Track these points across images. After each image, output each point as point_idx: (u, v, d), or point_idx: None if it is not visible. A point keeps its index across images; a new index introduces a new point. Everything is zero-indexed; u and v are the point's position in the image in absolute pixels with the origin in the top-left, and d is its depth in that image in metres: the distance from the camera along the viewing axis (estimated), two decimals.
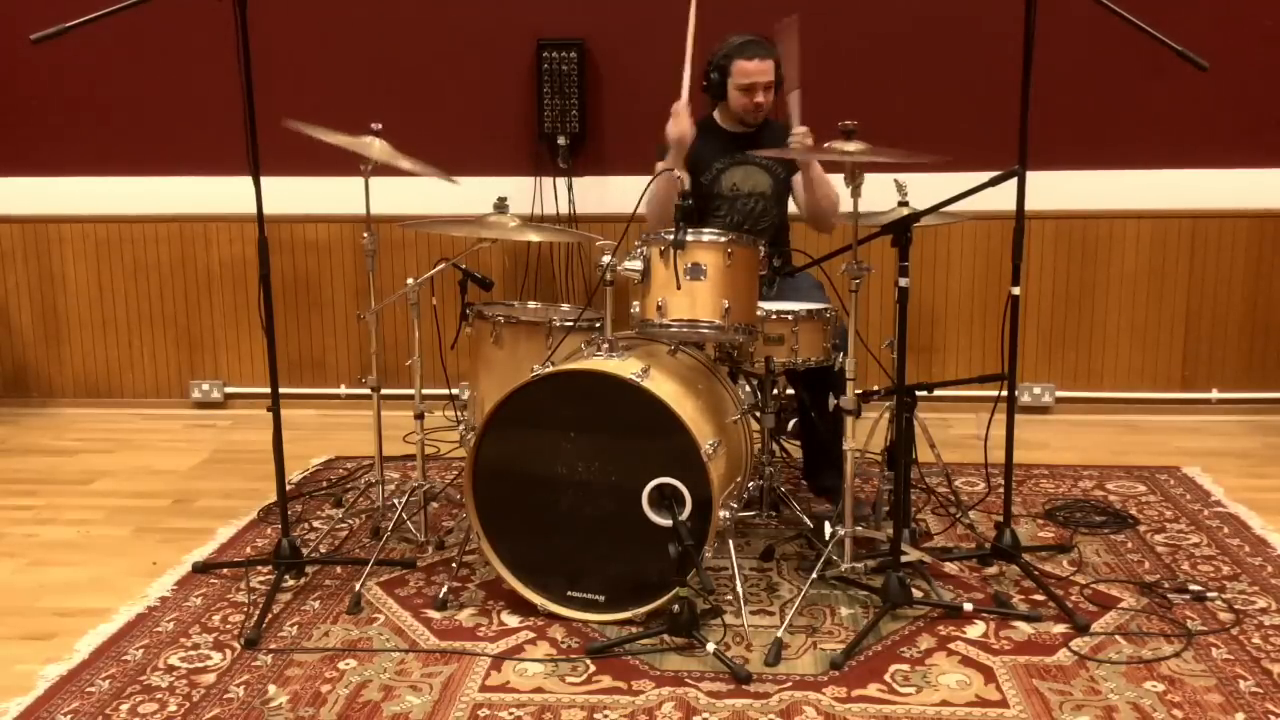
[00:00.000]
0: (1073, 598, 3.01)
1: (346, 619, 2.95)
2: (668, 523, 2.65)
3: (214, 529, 3.60)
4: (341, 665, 2.71)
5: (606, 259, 2.95)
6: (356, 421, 4.83)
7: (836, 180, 3.45)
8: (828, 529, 3.00)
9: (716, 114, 3.77)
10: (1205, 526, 3.53)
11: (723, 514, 2.82)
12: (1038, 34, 2.94)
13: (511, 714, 2.49)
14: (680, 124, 3.51)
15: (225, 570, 3.26)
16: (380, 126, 3.39)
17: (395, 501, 3.47)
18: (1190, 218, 4.71)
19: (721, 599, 2.98)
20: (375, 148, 3.32)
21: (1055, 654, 2.72)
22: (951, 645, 2.77)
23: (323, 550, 3.42)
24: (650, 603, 2.82)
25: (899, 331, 2.88)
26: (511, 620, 2.92)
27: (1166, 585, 3.07)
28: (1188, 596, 3.00)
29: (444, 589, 3.04)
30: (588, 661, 2.71)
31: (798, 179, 3.78)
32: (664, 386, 2.80)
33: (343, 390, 5.04)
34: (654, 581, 2.78)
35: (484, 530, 2.94)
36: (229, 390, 5.08)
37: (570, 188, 4.77)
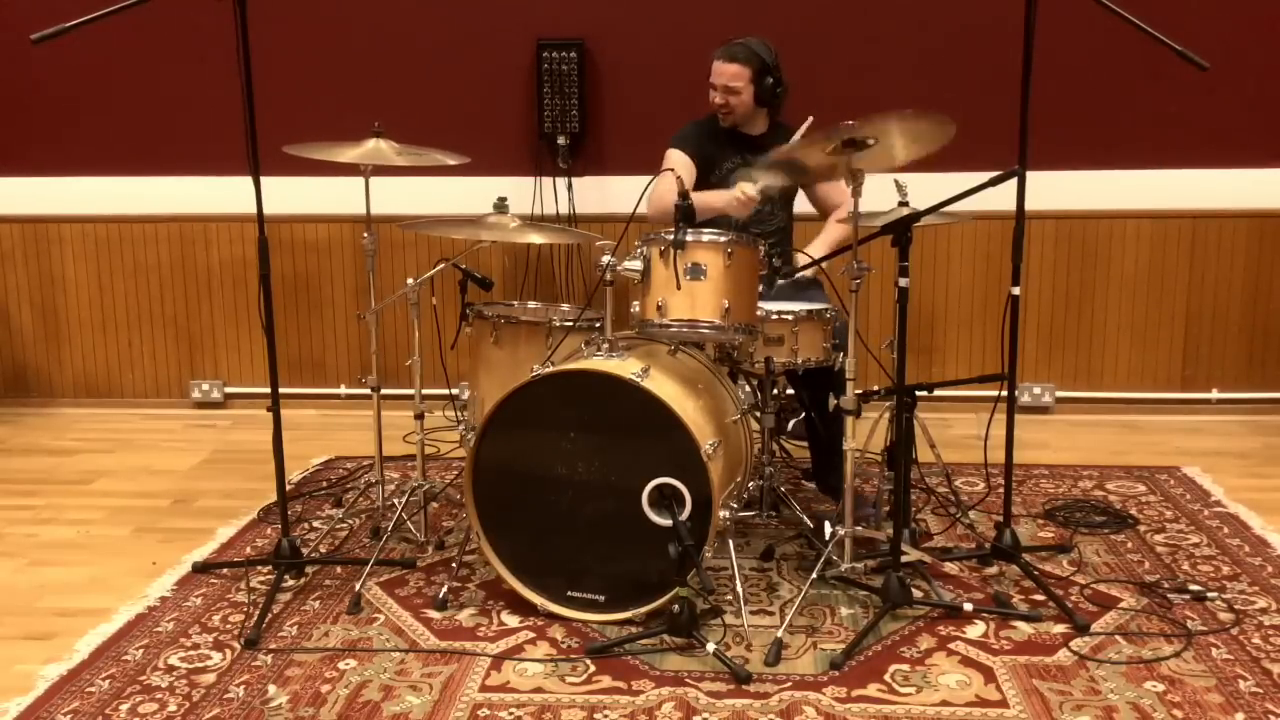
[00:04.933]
0: (1073, 598, 3.01)
1: (346, 619, 2.95)
2: (668, 523, 2.65)
3: (214, 529, 3.60)
4: (341, 665, 2.71)
5: (606, 259, 2.95)
6: (356, 421, 4.83)
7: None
8: (828, 529, 3.00)
9: None
10: (1205, 526, 3.53)
11: (723, 514, 2.82)
12: (1038, 34, 2.94)
13: (511, 714, 2.49)
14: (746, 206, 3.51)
15: (225, 570, 3.26)
16: (380, 125, 3.41)
17: (395, 501, 3.47)
18: (1190, 218, 4.71)
19: (721, 599, 2.98)
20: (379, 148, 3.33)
21: (1055, 654, 2.71)
22: (951, 645, 2.77)
23: (323, 550, 3.42)
24: (650, 603, 2.82)
25: (899, 331, 2.87)
26: (511, 620, 2.92)
27: (1166, 585, 3.07)
28: (1188, 596, 3.00)
29: (444, 589, 3.04)
30: (588, 661, 2.71)
31: (816, 190, 3.82)
32: (664, 386, 2.80)
33: (343, 390, 5.04)
34: (654, 581, 2.78)
35: (484, 530, 2.94)
36: (229, 390, 5.08)
37: (570, 188, 4.77)
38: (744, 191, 3.46)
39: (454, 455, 4.29)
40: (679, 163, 3.64)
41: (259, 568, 3.21)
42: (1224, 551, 3.33)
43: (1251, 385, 4.80)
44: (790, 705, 2.51)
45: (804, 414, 3.74)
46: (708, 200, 3.51)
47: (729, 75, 3.63)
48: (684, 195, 2.95)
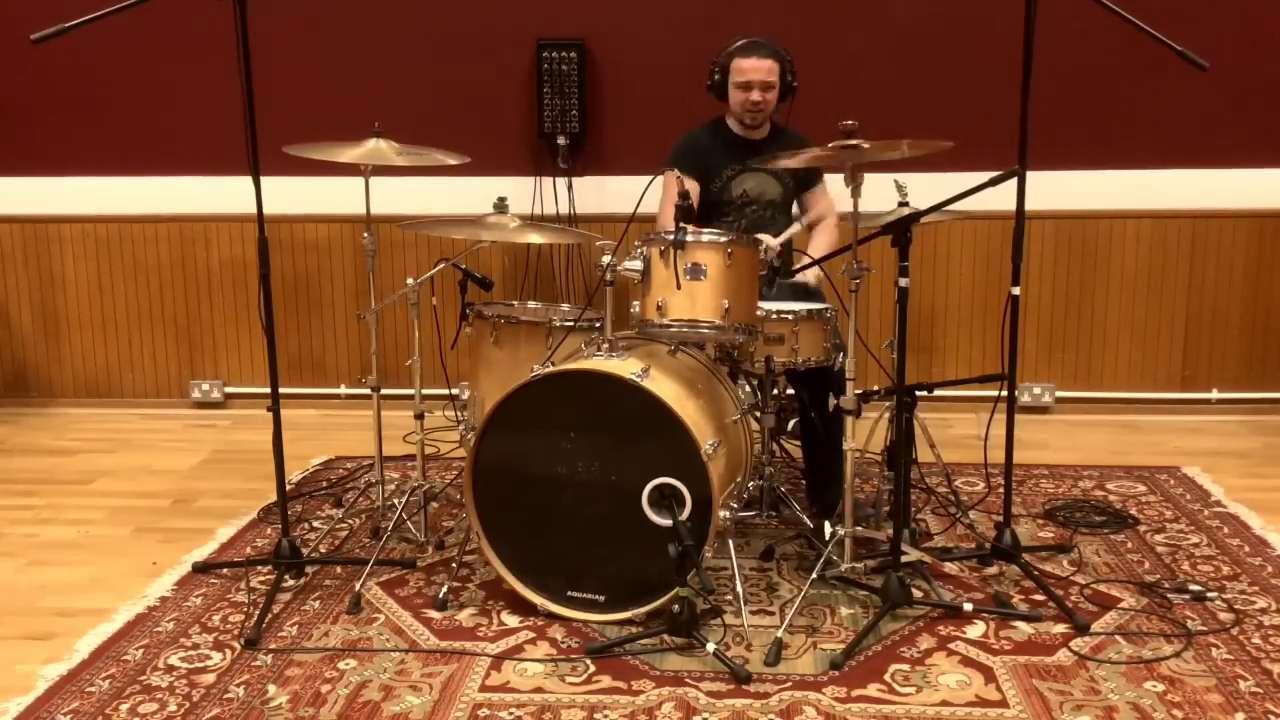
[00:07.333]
0: (1073, 598, 3.01)
1: (346, 619, 2.95)
2: (668, 523, 2.65)
3: (214, 529, 3.60)
4: (341, 665, 2.71)
5: (606, 259, 2.95)
6: (356, 421, 4.83)
7: (837, 182, 3.45)
8: (828, 529, 3.00)
9: (727, 118, 3.75)
10: (1205, 526, 3.53)
11: (723, 514, 2.82)
12: (1038, 34, 2.94)
13: (511, 714, 2.49)
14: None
15: (225, 570, 3.26)
16: (380, 125, 3.41)
17: (395, 501, 3.47)
18: (1190, 218, 4.71)
19: (721, 599, 2.98)
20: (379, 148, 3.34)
21: (1055, 654, 2.71)
22: (951, 645, 2.77)
23: (323, 550, 3.42)
24: (650, 603, 2.82)
25: (899, 331, 2.87)
26: (511, 620, 2.92)
27: (1166, 585, 3.07)
28: (1188, 596, 3.00)
29: (444, 589, 3.04)
30: (588, 661, 2.71)
31: (807, 195, 3.79)
32: (664, 386, 2.80)
33: (343, 390, 5.04)
34: (654, 581, 2.78)
35: (484, 530, 2.94)
36: (229, 390, 5.08)
37: (570, 188, 4.77)
38: (768, 245, 3.46)
39: (454, 455, 4.29)
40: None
41: (259, 568, 3.21)
42: (1224, 551, 3.33)
43: (1251, 385, 4.80)
44: (790, 705, 2.51)
45: (800, 419, 3.72)
46: None
47: (767, 70, 3.58)
48: (684, 195, 2.94)
